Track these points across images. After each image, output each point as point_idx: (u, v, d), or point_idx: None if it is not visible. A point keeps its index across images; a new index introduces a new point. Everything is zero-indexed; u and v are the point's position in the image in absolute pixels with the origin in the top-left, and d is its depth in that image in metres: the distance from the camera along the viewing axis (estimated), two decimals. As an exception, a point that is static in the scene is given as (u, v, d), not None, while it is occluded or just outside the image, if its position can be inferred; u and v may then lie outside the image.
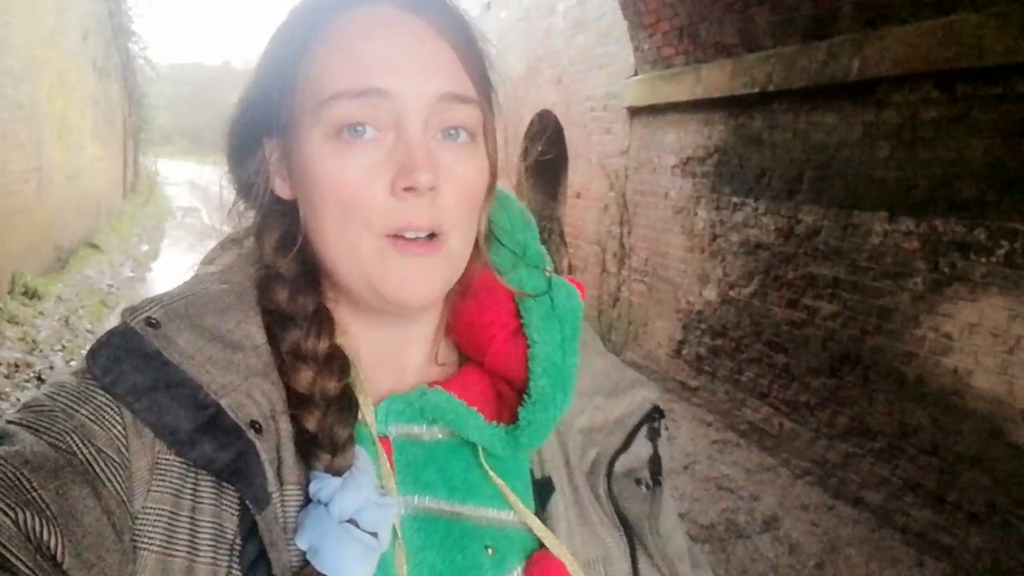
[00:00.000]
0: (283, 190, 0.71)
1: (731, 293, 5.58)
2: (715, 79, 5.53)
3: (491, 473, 0.71)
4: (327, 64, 0.65)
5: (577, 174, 8.15)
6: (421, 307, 0.69)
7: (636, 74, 6.70)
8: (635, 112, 6.81)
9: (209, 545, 0.59)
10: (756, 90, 5.05)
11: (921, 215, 3.91)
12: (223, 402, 0.60)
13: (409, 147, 0.64)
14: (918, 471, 3.94)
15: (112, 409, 0.59)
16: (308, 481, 0.64)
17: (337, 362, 0.68)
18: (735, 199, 5.49)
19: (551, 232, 9.16)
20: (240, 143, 0.72)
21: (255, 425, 0.61)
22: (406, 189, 0.63)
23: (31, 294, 7.45)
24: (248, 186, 0.72)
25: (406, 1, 0.67)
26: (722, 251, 5.66)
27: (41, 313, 7.21)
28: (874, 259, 4.23)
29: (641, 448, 0.77)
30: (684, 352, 6.22)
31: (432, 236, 0.66)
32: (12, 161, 7.42)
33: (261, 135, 0.71)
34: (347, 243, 0.66)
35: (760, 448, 5.18)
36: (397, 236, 0.65)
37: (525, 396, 0.72)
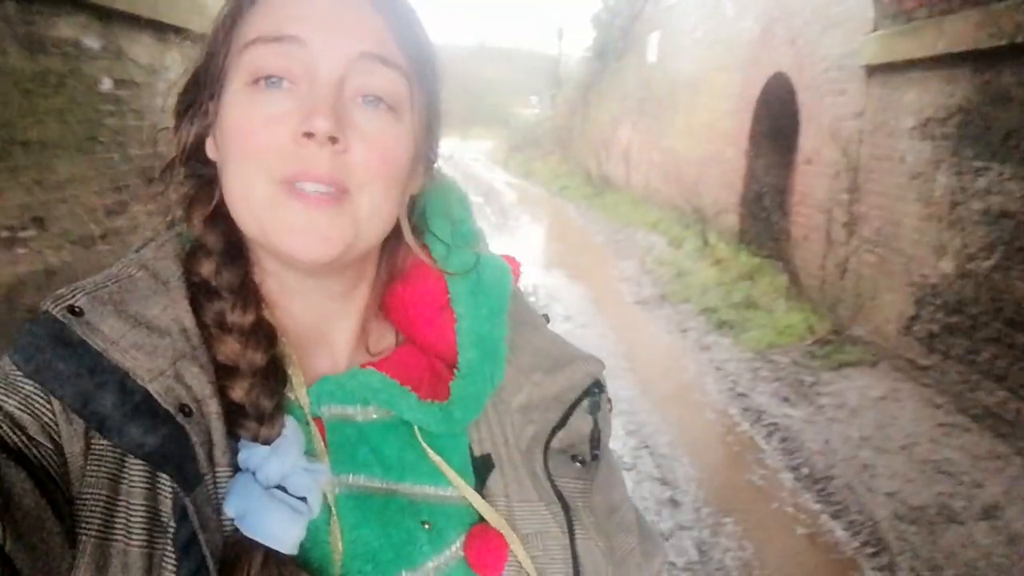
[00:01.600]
0: (211, 150, 0.72)
1: (970, 266, 5.13)
2: (959, 31, 5.06)
3: (428, 450, 0.72)
4: (252, 19, 0.67)
5: (808, 139, 7.79)
6: (314, 262, 0.67)
7: (875, 30, 6.27)
8: (872, 71, 6.38)
9: (143, 528, 0.59)
10: (1004, 42, 4.57)
11: None
12: (150, 387, 0.60)
13: (315, 95, 0.64)
14: None
15: (40, 398, 0.59)
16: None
17: (263, 333, 0.69)
18: (978, 163, 5.02)
19: (772, 201, 8.83)
20: (184, 107, 0.73)
21: (184, 408, 0.61)
22: (305, 135, 0.63)
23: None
24: (188, 152, 0.73)
25: None
26: (961, 220, 5.21)
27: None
28: None
29: (581, 423, 0.78)
30: (915, 329, 5.81)
31: (338, 194, 0.66)
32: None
33: (204, 99, 0.71)
34: (243, 188, 0.66)
35: (993, 434, 4.76)
36: (293, 184, 0.65)
37: (456, 370, 0.74)
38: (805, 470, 4.68)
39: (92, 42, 4.75)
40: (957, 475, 4.38)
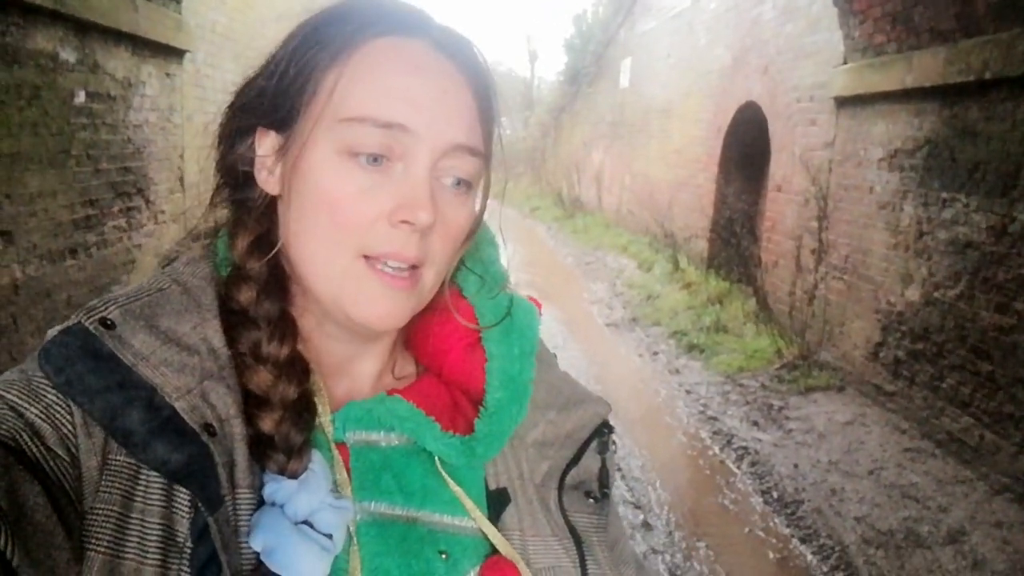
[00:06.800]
0: (268, 183, 0.71)
1: (935, 294, 5.24)
2: (928, 67, 5.21)
3: (449, 480, 0.73)
4: (356, 84, 0.66)
5: (779, 167, 7.93)
6: (383, 332, 0.72)
7: (845, 63, 6.42)
8: (842, 102, 6.53)
9: (158, 547, 0.59)
10: (972, 78, 4.71)
11: None
12: (177, 405, 0.60)
13: (415, 184, 0.66)
14: None
15: (62, 408, 0.59)
16: (261, 484, 0.64)
17: (298, 368, 0.69)
18: (944, 194, 5.15)
19: (742, 227, 8.96)
20: (237, 127, 0.72)
21: (209, 428, 0.61)
22: (403, 222, 0.65)
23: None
24: (232, 171, 0.73)
25: (441, 40, 0.70)
26: (928, 249, 5.33)
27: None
28: (1096, 262, 3.85)
29: (591, 462, 0.80)
30: (882, 355, 5.92)
31: (412, 268, 0.68)
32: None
33: (256, 124, 0.71)
34: (326, 255, 0.67)
35: (957, 460, 4.86)
36: (374, 260, 0.67)
37: (481, 407, 0.75)
38: (775, 494, 4.73)
39: (68, 55, 4.70)
40: (923, 500, 4.45)
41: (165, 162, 6.39)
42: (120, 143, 5.51)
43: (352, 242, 0.66)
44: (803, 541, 4.22)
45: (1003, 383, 4.53)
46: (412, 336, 0.81)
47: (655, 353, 7.71)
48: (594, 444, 0.80)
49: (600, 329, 8.67)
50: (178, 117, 6.54)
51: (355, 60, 0.67)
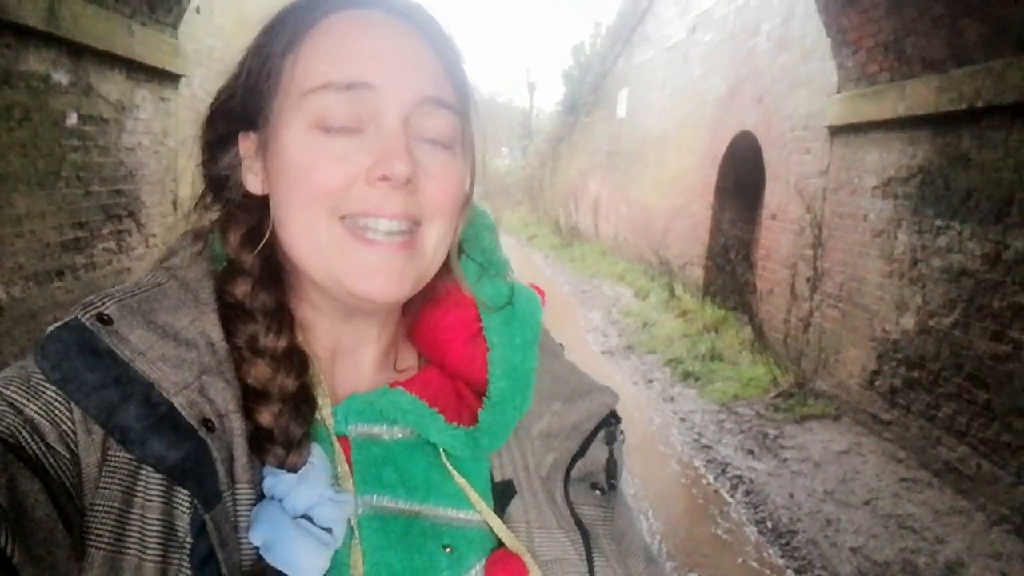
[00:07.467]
0: (254, 185, 0.71)
1: (930, 322, 5.21)
2: (920, 95, 5.22)
3: (454, 473, 0.72)
4: (315, 57, 0.66)
5: (774, 195, 7.93)
6: (387, 303, 0.69)
7: (838, 92, 6.45)
8: (836, 131, 6.55)
9: (158, 543, 0.58)
10: (964, 107, 4.72)
11: None
12: (175, 400, 0.59)
13: (388, 137, 0.65)
14: None
15: (62, 404, 0.58)
16: (261, 479, 0.64)
17: (296, 359, 0.68)
18: (938, 222, 5.14)
19: (737, 254, 8.95)
20: (217, 136, 0.72)
21: (207, 423, 0.60)
22: (381, 178, 0.64)
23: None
24: (219, 179, 0.73)
25: (396, 7, 0.69)
26: (922, 277, 5.30)
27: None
28: (1091, 289, 3.82)
29: (598, 453, 0.78)
30: (877, 383, 5.87)
31: (405, 234, 0.67)
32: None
33: (238, 129, 0.71)
34: (307, 225, 0.66)
35: (954, 490, 4.79)
36: (357, 222, 0.66)
37: (485, 398, 0.74)
38: (769, 524, 4.65)
39: (61, 77, 4.71)
40: (920, 531, 4.37)
41: (158, 185, 6.38)
42: (112, 165, 5.50)
43: (330, 206, 0.65)
44: (798, 572, 4.14)
45: (999, 412, 4.48)
46: (414, 327, 0.80)
47: (650, 381, 7.65)
48: (601, 434, 0.79)
49: (596, 356, 8.61)
50: (172, 141, 6.54)
51: (310, 37, 0.67)
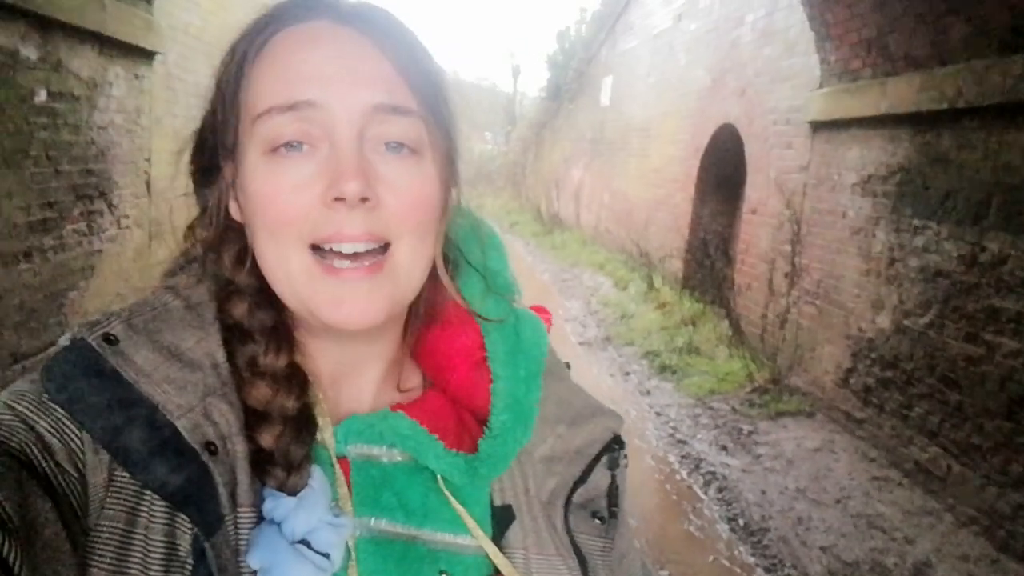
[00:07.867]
0: (236, 213, 0.70)
1: (906, 322, 5.22)
2: (902, 93, 5.20)
3: (451, 499, 0.71)
4: (260, 81, 0.65)
5: (755, 190, 7.92)
6: (362, 329, 0.67)
7: (821, 87, 6.43)
8: (817, 127, 6.53)
9: (161, 565, 0.58)
10: (945, 106, 4.71)
11: (1123, 248, 3.50)
12: (179, 423, 0.59)
13: (339, 156, 0.63)
14: (1100, 533, 3.52)
15: (71, 423, 0.59)
16: (262, 501, 0.63)
17: (296, 380, 0.68)
18: (916, 222, 5.13)
19: (717, 248, 8.95)
20: (201, 168, 0.72)
21: (210, 446, 0.60)
22: (336, 200, 0.62)
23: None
24: (208, 210, 0.72)
25: (342, 14, 0.67)
26: (899, 277, 5.31)
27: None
28: (1066, 294, 3.83)
29: (600, 479, 0.77)
30: (851, 381, 5.88)
31: (372, 254, 0.65)
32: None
33: (219, 160, 0.70)
34: (277, 255, 0.65)
35: (924, 490, 4.81)
36: (324, 254, 0.64)
37: (486, 429, 0.73)
38: (741, 521, 4.65)
39: (30, 52, 4.57)
40: (890, 531, 4.39)
41: (131, 165, 6.24)
42: (83, 144, 5.37)
43: (295, 234, 0.64)
44: (768, 571, 4.14)
45: (971, 413, 4.50)
46: (419, 347, 0.79)
47: (627, 373, 7.64)
48: (604, 460, 0.78)
49: (573, 347, 8.59)
50: (146, 119, 6.40)
51: (259, 60, 0.66)
